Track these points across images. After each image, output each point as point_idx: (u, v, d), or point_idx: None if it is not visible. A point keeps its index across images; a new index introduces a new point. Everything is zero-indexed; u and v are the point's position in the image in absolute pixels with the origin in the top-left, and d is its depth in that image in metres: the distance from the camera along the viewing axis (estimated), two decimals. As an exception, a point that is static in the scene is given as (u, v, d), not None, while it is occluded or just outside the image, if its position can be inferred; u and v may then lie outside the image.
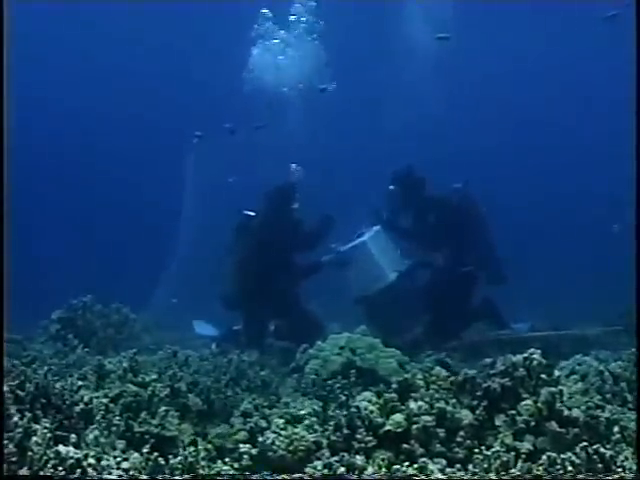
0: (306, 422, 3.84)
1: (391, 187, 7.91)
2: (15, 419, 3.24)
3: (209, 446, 3.77)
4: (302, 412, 4.02)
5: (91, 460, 3.11)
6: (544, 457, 3.13)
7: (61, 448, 3.09)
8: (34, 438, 3.14)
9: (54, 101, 19.19)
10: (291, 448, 3.52)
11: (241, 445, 3.63)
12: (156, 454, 3.23)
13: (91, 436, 3.45)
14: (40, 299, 8.51)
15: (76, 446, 3.30)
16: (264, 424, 3.91)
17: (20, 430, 3.15)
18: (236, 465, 3.46)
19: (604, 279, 11.48)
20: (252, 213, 7.49)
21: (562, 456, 3.10)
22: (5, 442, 3.09)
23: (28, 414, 3.32)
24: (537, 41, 18.98)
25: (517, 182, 17.40)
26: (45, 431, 3.19)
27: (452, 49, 9.95)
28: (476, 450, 3.33)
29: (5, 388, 3.40)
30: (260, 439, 3.62)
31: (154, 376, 4.34)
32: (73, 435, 3.39)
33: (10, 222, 5.01)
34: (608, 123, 15.64)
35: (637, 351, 4.97)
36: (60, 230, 16.30)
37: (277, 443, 3.54)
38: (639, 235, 5.64)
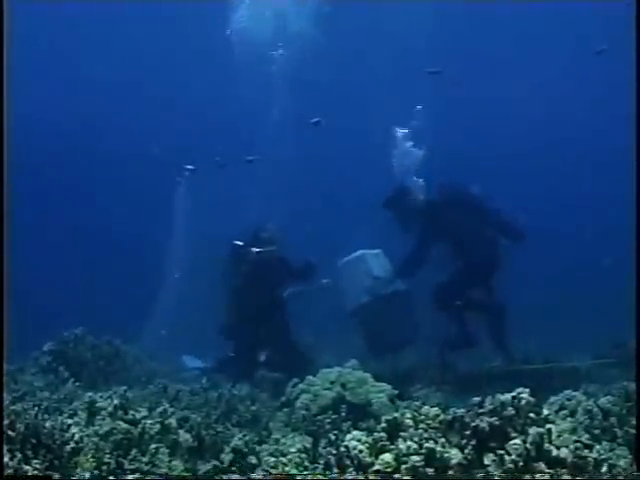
0: (296, 460, 3.85)
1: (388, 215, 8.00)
2: (5, 460, 3.24)
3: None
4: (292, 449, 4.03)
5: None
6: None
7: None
8: (24, 480, 3.15)
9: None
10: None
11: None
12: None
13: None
14: (31, 329, 8.48)
15: (66, 487, 3.30)
16: (254, 460, 3.91)
17: (10, 472, 3.15)
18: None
19: (597, 310, 11.51)
20: (241, 243, 7.53)
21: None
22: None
23: (19, 454, 3.32)
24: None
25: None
26: (35, 472, 3.19)
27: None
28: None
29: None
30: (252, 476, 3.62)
31: (144, 413, 4.33)
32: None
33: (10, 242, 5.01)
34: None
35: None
36: (51, 260, 16.28)
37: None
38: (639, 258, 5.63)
